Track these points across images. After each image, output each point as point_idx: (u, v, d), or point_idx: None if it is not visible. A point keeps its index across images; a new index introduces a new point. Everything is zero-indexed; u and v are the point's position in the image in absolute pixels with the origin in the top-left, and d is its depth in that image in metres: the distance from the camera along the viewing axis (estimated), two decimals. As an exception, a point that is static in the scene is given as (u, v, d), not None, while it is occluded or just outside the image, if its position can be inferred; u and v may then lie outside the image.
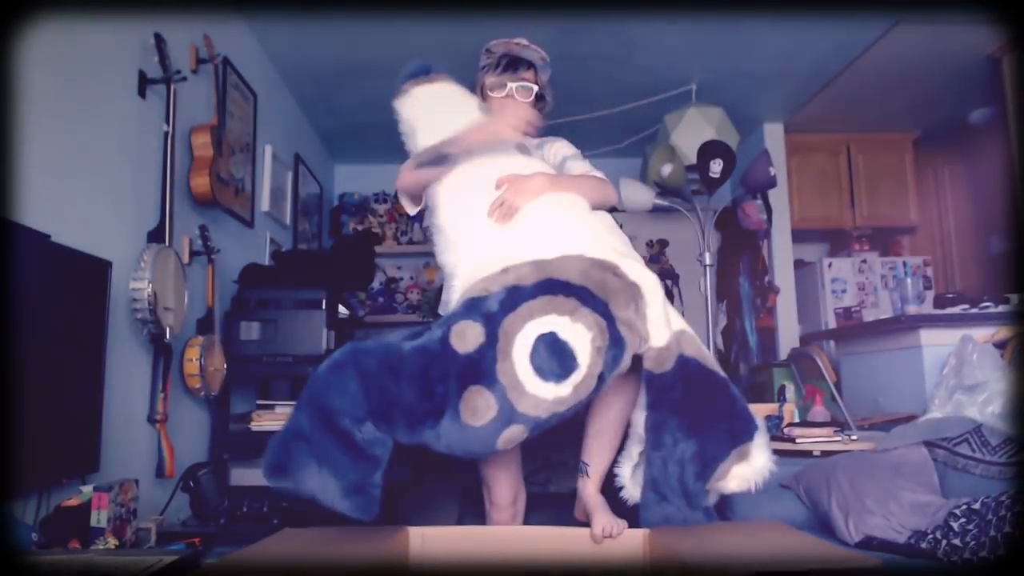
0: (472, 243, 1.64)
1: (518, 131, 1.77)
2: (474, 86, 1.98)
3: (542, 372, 1.37)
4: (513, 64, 1.89)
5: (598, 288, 1.45)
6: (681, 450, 1.53)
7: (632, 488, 1.65)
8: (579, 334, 1.40)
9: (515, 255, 1.52)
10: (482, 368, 1.35)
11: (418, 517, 2.01)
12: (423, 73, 1.82)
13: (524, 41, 1.92)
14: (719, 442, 1.55)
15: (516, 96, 1.88)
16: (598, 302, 1.44)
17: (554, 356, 1.38)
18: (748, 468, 1.57)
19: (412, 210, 1.92)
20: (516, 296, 1.41)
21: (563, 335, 1.39)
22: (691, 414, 1.53)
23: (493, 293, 1.43)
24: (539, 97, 1.92)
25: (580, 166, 1.94)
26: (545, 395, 1.36)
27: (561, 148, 2.04)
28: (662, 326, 1.54)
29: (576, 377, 1.39)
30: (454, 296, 1.58)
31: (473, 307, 1.42)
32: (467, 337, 1.37)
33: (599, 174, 1.92)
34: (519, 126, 1.74)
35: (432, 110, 1.80)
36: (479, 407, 1.34)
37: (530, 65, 1.90)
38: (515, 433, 1.37)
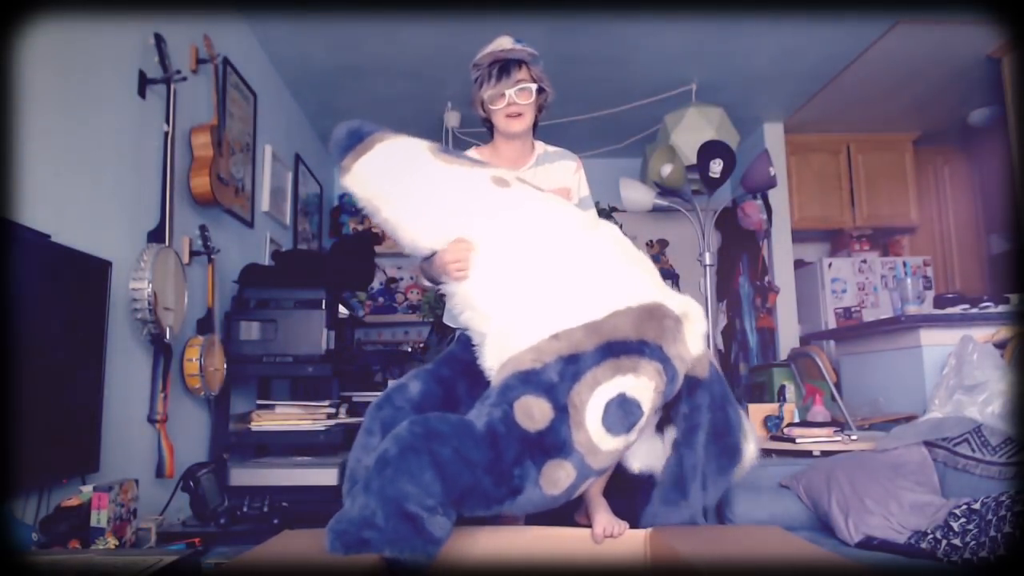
0: (505, 306, 1.58)
1: (514, 165, 1.88)
2: (472, 102, 1.94)
3: (613, 430, 1.39)
4: (505, 69, 1.84)
5: (654, 336, 1.47)
6: (708, 451, 1.60)
7: (634, 461, 1.68)
8: (643, 386, 1.43)
9: (561, 319, 1.49)
10: (558, 443, 1.37)
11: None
12: (356, 141, 1.68)
13: (507, 43, 1.87)
14: (736, 446, 1.64)
15: (517, 100, 1.85)
16: (654, 349, 1.46)
17: (622, 411, 1.40)
18: (742, 468, 1.69)
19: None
20: (577, 365, 1.41)
21: (630, 393, 1.41)
22: (719, 418, 1.62)
23: (549, 364, 1.41)
24: (539, 90, 1.89)
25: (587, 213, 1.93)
26: (616, 447, 1.41)
27: (575, 176, 2.01)
28: (699, 338, 1.59)
29: (641, 422, 1.44)
30: (488, 356, 1.54)
31: (529, 380, 1.40)
32: (535, 415, 1.37)
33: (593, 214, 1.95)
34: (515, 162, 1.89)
35: (383, 181, 1.66)
36: (560, 478, 1.37)
37: (521, 64, 1.86)
38: (588, 484, 1.44)
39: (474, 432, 1.37)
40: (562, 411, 1.37)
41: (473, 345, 1.65)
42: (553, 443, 1.36)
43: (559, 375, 1.40)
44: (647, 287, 1.56)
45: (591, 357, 1.41)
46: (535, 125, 1.97)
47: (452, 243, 1.61)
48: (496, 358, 1.50)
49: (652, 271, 1.66)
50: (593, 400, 1.39)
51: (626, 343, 1.43)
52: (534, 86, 1.86)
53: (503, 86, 1.84)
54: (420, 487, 1.30)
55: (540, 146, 2.01)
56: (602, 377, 1.40)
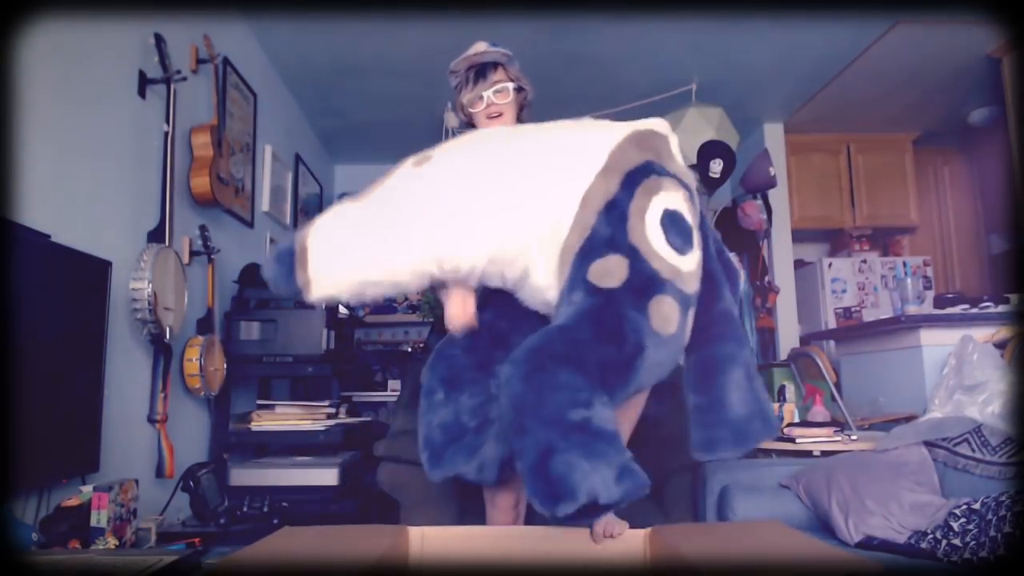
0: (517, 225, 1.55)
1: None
2: (454, 107, 1.97)
3: (679, 247, 1.39)
4: (481, 72, 1.88)
5: (653, 156, 1.50)
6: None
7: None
8: (674, 198, 1.44)
9: (574, 186, 1.48)
10: (645, 281, 1.35)
11: (418, 517, 2.01)
12: (290, 256, 1.45)
13: (482, 47, 1.91)
14: None
15: (495, 100, 1.88)
16: (660, 167, 1.49)
17: (676, 227, 1.40)
18: None
19: None
20: (617, 208, 1.41)
21: (670, 206, 1.42)
22: None
23: (594, 225, 1.41)
24: (518, 89, 1.92)
25: None
26: (693, 264, 1.41)
27: None
28: (678, 151, 1.63)
29: (694, 233, 1.45)
30: (541, 276, 1.48)
31: (587, 250, 1.38)
32: (612, 270, 1.34)
33: None
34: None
35: (342, 260, 1.47)
36: (667, 313, 1.35)
37: (496, 65, 1.89)
38: (692, 312, 1.42)
39: (567, 323, 1.34)
40: (632, 252, 1.36)
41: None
42: (641, 284, 1.35)
43: (609, 226, 1.38)
44: (614, 125, 1.56)
45: (623, 194, 1.40)
46: (518, 122, 1.99)
47: (450, 302, 1.59)
48: (547, 269, 1.46)
49: (601, 122, 1.64)
50: (648, 228, 1.38)
51: (638, 168, 1.43)
52: (511, 85, 1.89)
53: (480, 88, 1.87)
54: (566, 390, 1.25)
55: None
56: (642, 204, 1.39)
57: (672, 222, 1.39)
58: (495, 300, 1.66)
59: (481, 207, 1.44)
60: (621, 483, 1.23)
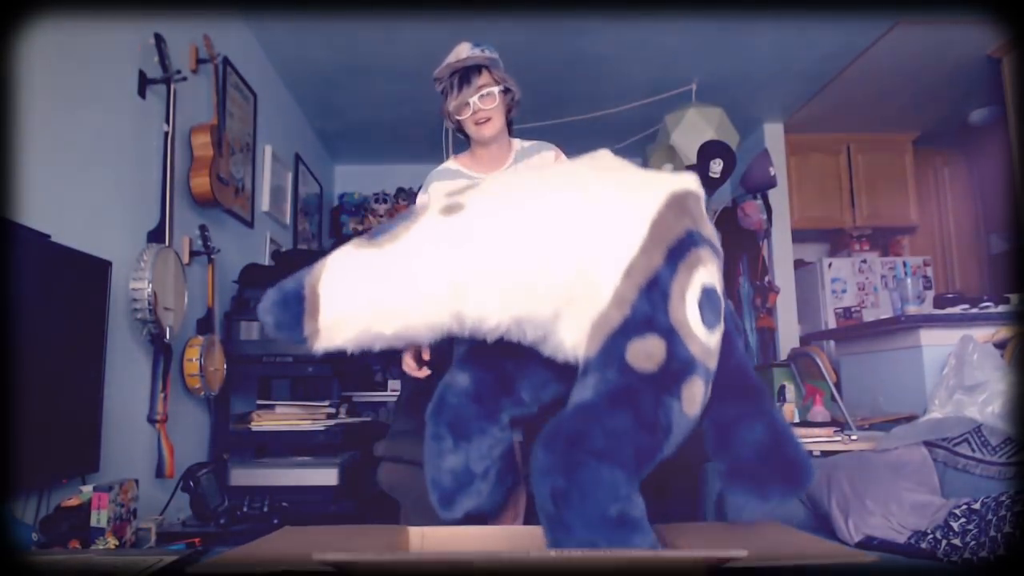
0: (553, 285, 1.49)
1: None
2: (441, 114, 1.96)
3: (710, 324, 1.37)
4: (465, 78, 1.85)
5: (691, 223, 1.44)
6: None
7: None
8: (711, 272, 1.41)
9: (615, 257, 1.44)
10: (682, 365, 1.33)
11: (418, 517, 2.00)
12: (298, 303, 1.33)
13: (466, 50, 1.89)
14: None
15: (482, 106, 1.86)
16: (697, 235, 1.43)
17: (710, 303, 1.38)
18: None
19: None
20: (659, 285, 1.36)
21: (707, 283, 1.39)
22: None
23: (634, 302, 1.36)
24: (505, 91, 1.90)
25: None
26: (718, 339, 1.39)
27: (551, 161, 2.02)
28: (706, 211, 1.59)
29: (723, 307, 1.42)
30: (566, 335, 1.43)
31: (626, 328, 1.34)
32: (652, 353, 1.31)
33: None
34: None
35: (357, 306, 1.37)
36: (695, 395, 1.34)
37: (481, 69, 1.86)
38: (710, 388, 1.39)
39: (601, 407, 1.31)
40: (670, 334, 1.33)
41: None
42: (679, 368, 1.33)
43: (650, 304, 1.34)
44: (651, 181, 1.48)
45: (666, 271, 1.35)
46: (510, 124, 1.98)
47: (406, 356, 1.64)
48: (576, 332, 1.41)
49: (626, 166, 1.58)
50: (688, 309, 1.35)
51: (681, 240, 1.37)
52: (497, 88, 1.87)
53: (466, 95, 1.85)
54: (607, 487, 1.25)
55: (517, 143, 2.02)
56: (684, 282, 1.35)
57: (708, 300, 1.37)
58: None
59: (514, 267, 1.35)
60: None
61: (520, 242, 1.36)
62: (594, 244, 1.37)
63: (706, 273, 1.38)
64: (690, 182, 1.48)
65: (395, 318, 1.34)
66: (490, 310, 1.35)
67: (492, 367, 1.62)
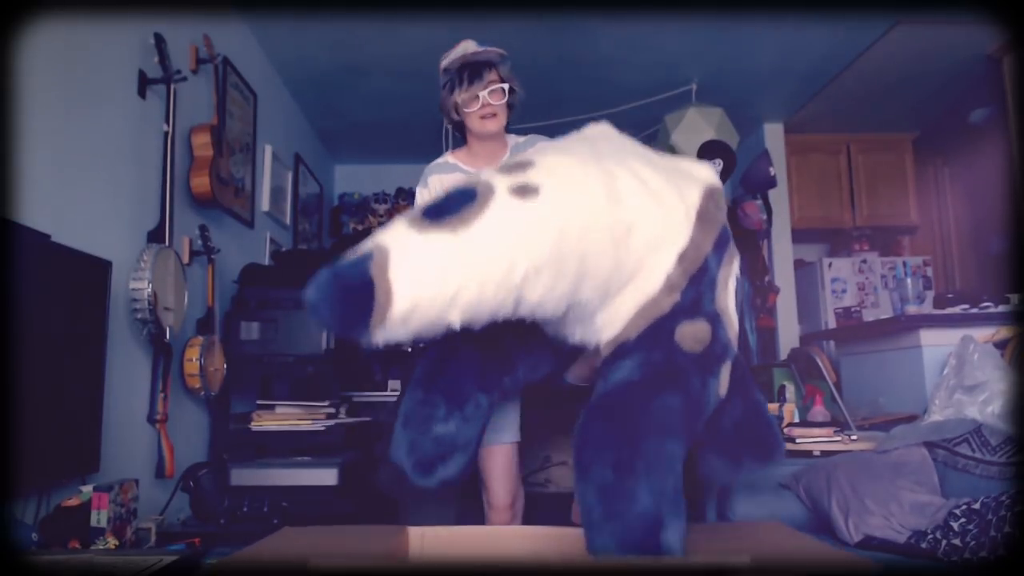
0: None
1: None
2: (441, 108, 1.97)
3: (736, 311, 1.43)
4: (476, 72, 1.87)
5: (722, 216, 1.49)
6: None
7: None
8: (738, 263, 1.48)
9: (669, 242, 1.47)
10: (723, 348, 1.38)
11: (418, 517, 2.01)
12: (367, 292, 1.16)
13: (473, 46, 1.91)
14: None
15: (491, 101, 1.88)
16: (727, 227, 1.49)
17: (737, 293, 1.45)
18: None
19: None
20: (708, 272, 1.40)
21: (737, 273, 1.47)
22: None
23: (685, 288, 1.38)
24: (510, 90, 1.92)
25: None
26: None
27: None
28: None
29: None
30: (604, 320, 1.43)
31: (676, 312, 1.36)
32: (700, 335, 1.35)
33: None
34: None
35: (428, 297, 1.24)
36: (725, 377, 1.40)
37: (491, 65, 1.89)
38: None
39: (653, 386, 1.32)
40: (715, 319, 1.37)
41: None
42: (720, 350, 1.37)
43: (698, 291, 1.37)
44: (691, 174, 1.49)
45: (714, 259, 1.40)
46: (507, 122, 2.00)
47: None
48: (611, 315, 1.40)
49: (682, 166, 1.57)
50: (729, 296, 1.41)
51: (723, 232, 1.43)
52: (506, 86, 1.89)
53: (476, 88, 1.87)
54: (668, 461, 1.27)
55: (511, 139, 2.04)
56: (727, 271, 1.41)
57: (739, 287, 1.44)
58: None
59: (587, 255, 1.30)
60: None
61: (594, 230, 1.32)
62: (655, 233, 1.38)
63: (737, 264, 1.46)
64: (714, 176, 1.51)
65: (468, 307, 1.23)
66: (555, 296, 1.29)
67: (497, 343, 1.62)
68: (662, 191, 1.39)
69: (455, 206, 1.24)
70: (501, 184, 1.29)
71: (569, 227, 1.27)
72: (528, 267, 1.24)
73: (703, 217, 1.39)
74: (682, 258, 1.37)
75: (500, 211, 1.25)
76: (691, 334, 1.34)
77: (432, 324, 1.21)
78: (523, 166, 1.35)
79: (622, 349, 1.37)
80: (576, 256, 1.29)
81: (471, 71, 1.88)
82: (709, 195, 1.43)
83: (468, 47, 1.91)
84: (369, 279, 1.12)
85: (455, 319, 1.21)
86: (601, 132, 1.61)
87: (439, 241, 1.19)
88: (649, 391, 1.31)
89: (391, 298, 1.12)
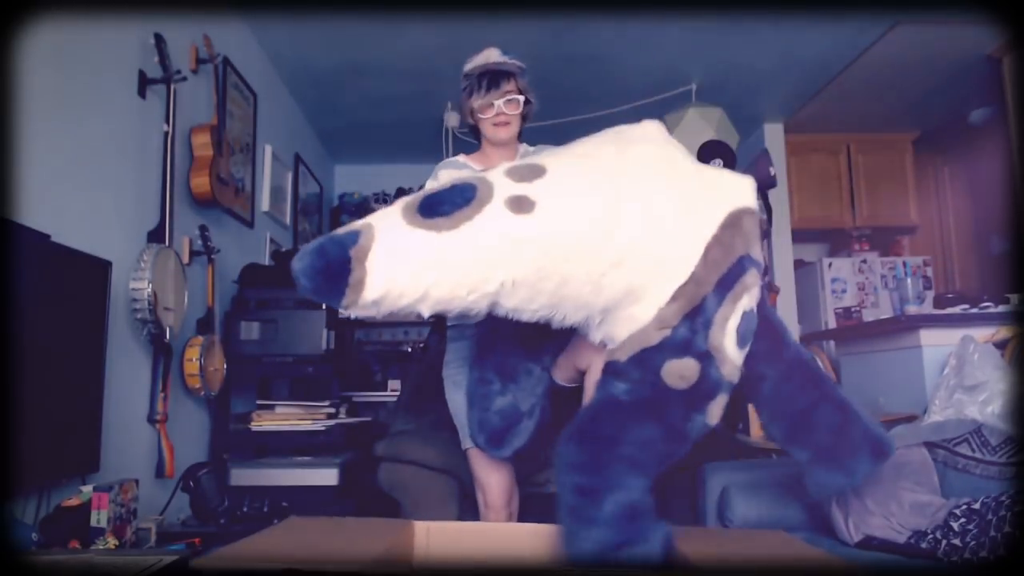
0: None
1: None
2: (460, 110, 2.05)
3: (743, 344, 1.41)
4: (494, 81, 1.94)
5: (743, 247, 1.44)
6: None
7: None
8: (753, 296, 1.43)
9: (666, 277, 1.46)
10: (713, 385, 1.37)
11: (418, 517, 2.01)
12: (342, 271, 1.23)
13: (495, 55, 1.97)
14: None
15: (505, 110, 1.95)
16: (748, 259, 1.43)
17: (747, 326, 1.42)
18: None
19: None
20: (704, 314, 1.38)
21: (747, 307, 1.41)
22: None
23: (677, 326, 1.37)
24: (525, 101, 2.01)
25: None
26: (744, 355, 1.43)
27: None
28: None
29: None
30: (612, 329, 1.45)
31: (664, 347, 1.36)
32: (685, 374, 1.35)
33: None
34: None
35: (403, 283, 1.30)
36: (717, 410, 1.40)
37: (510, 76, 1.96)
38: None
39: (632, 413, 1.35)
40: (706, 358, 1.36)
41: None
42: (709, 388, 1.37)
43: (691, 330, 1.36)
44: (711, 193, 1.44)
45: (712, 300, 1.37)
46: (520, 132, 2.07)
47: None
48: (607, 332, 1.44)
49: (679, 155, 1.54)
50: (728, 335, 1.38)
51: (732, 269, 1.38)
52: (521, 97, 1.98)
53: (492, 96, 1.94)
54: (629, 491, 1.30)
55: (523, 148, 2.12)
56: (728, 312, 1.38)
57: (745, 323, 1.39)
58: None
59: (568, 279, 1.33)
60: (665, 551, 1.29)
61: (581, 255, 1.33)
62: (648, 265, 1.36)
63: (748, 299, 1.40)
64: (749, 197, 1.45)
65: (438, 304, 1.30)
66: (531, 308, 1.35)
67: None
68: (672, 222, 1.37)
69: (449, 206, 1.28)
70: (501, 190, 1.31)
71: (555, 251, 1.29)
72: (505, 280, 1.28)
73: (713, 250, 1.37)
74: (678, 295, 1.36)
75: (490, 220, 1.28)
76: (676, 371, 1.35)
77: (404, 310, 1.28)
78: (533, 173, 1.36)
79: (614, 367, 1.39)
80: (556, 279, 1.31)
81: (490, 79, 1.94)
82: (733, 220, 1.40)
83: (491, 55, 1.98)
84: (348, 261, 1.20)
85: (425, 311, 1.28)
86: (644, 135, 1.59)
87: (422, 239, 1.24)
88: (628, 420, 1.34)
89: (363, 284, 1.20)
